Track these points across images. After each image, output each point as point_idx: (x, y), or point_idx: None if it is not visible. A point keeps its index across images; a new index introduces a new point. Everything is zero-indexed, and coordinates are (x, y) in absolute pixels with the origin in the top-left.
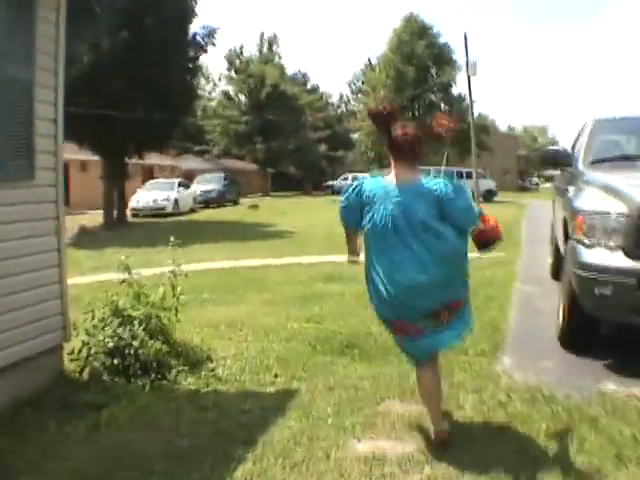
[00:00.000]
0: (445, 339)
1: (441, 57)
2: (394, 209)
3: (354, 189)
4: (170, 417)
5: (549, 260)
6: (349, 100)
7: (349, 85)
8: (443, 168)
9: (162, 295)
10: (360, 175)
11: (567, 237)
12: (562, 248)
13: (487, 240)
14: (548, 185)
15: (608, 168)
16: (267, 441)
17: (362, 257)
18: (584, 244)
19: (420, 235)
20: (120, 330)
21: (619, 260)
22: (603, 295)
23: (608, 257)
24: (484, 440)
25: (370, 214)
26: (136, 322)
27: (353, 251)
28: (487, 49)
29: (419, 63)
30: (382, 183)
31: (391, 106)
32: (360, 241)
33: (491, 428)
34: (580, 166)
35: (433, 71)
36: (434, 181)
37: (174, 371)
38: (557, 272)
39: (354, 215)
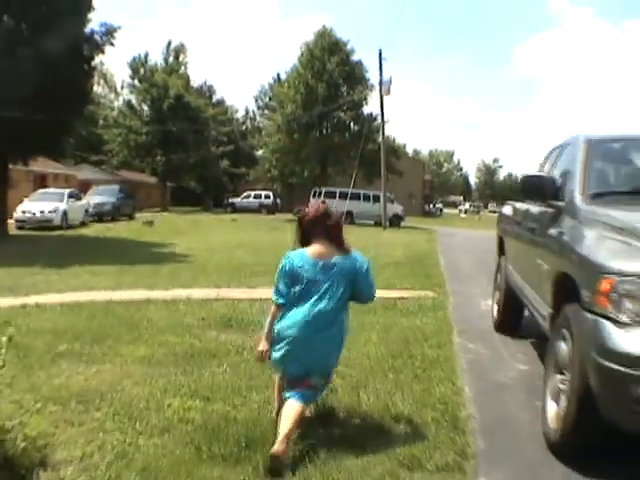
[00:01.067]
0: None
1: (353, 74)
2: (314, 282)
3: (282, 269)
4: None
5: (494, 309)
6: (255, 116)
7: (256, 100)
8: (350, 190)
9: None
10: (264, 192)
11: (564, 299)
12: (541, 309)
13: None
14: (452, 211)
15: (613, 203)
16: None
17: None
18: (615, 321)
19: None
20: None
21: None
22: None
23: None
24: None
25: (297, 287)
26: None
27: (269, 338)
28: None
29: (330, 80)
30: (307, 258)
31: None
32: None
33: None
34: (578, 201)
35: (344, 89)
36: (352, 256)
37: None
38: (504, 325)
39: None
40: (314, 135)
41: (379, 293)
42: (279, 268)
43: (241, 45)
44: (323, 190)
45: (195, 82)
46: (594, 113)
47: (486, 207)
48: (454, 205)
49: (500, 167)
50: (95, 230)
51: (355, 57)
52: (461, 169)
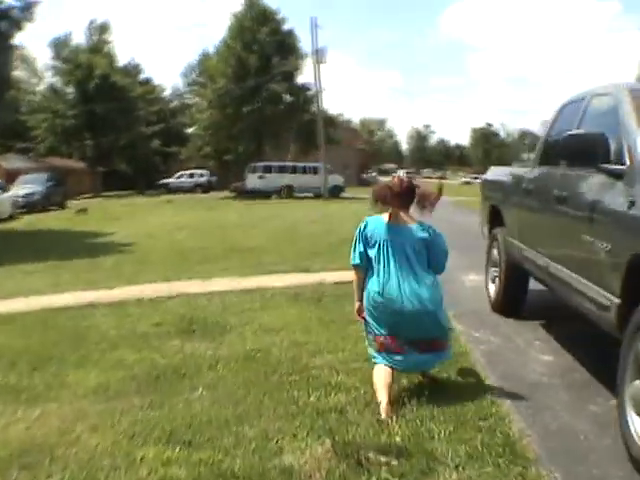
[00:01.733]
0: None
1: (285, 44)
2: (392, 245)
3: (359, 233)
4: None
5: (490, 288)
6: (184, 93)
7: (184, 77)
8: (289, 163)
9: None
10: (198, 171)
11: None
12: (597, 297)
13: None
14: (388, 179)
15: None
16: None
17: None
18: None
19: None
20: None
21: None
22: None
23: None
24: None
25: (374, 249)
26: None
27: (361, 297)
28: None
29: (261, 51)
30: (381, 222)
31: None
32: None
33: None
34: None
35: (276, 60)
36: (424, 226)
37: None
38: (505, 306)
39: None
40: (247, 109)
41: (351, 276)
42: (356, 232)
43: (164, 22)
44: (260, 165)
45: (120, 61)
46: (523, 79)
47: (418, 174)
48: (387, 173)
49: (432, 133)
50: (26, 223)
51: (286, 26)
52: (392, 137)
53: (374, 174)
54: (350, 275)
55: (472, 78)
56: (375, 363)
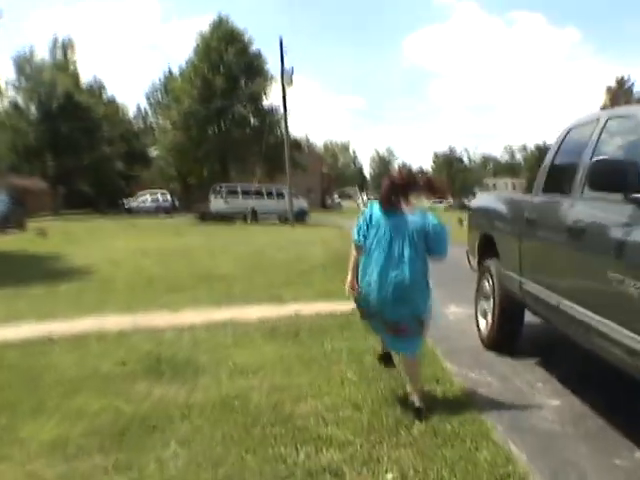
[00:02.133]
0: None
1: (252, 66)
2: (389, 232)
3: (364, 222)
4: None
5: (481, 323)
6: (147, 113)
7: (147, 98)
8: (255, 186)
9: None
10: (160, 193)
11: None
12: (630, 342)
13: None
14: (350, 204)
15: None
16: None
17: None
18: None
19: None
20: None
21: None
22: None
23: None
24: None
25: (373, 233)
26: None
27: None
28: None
29: (228, 72)
30: (383, 211)
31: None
32: None
33: None
34: None
35: (243, 81)
36: (423, 216)
37: None
38: (497, 342)
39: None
40: (212, 131)
41: (327, 307)
42: (362, 214)
43: (128, 43)
44: (224, 187)
45: (83, 79)
46: (484, 106)
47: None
48: (350, 197)
49: (395, 158)
50: None
51: (254, 47)
52: (355, 160)
53: (337, 199)
54: (326, 307)
55: (434, 104)
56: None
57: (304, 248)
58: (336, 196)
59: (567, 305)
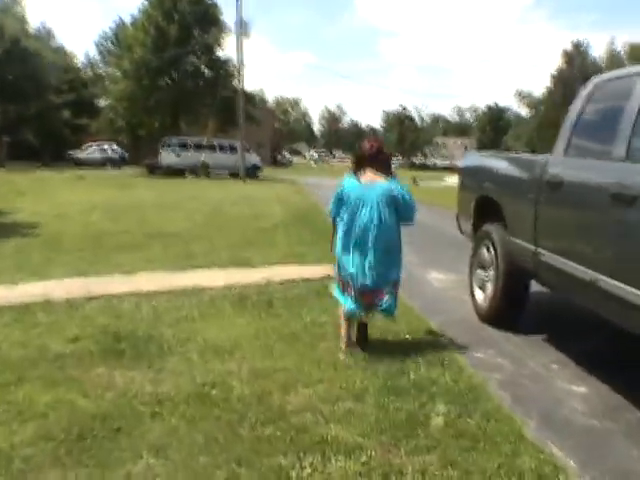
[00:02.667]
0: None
1: (207, 16)
2: (364, 201)
3: (337, 198)
4: None
5: (478, 295)
6: (97, 62)
7: (97, 46)
8: (207, 139)
9: None
10: (107, 144)
11: None
12: None
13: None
14: (300, 160)
15: None
16: None
17: None
18: None
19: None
20: None
21: None
22: None
23: None
24: None
25: (349, 205)
26: None
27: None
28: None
29: (182, 21)
30: (355, 183)
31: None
32: None
33: None
34: None
35: (197, 31)
36: (392, 183)
37: None
38: (499, 316)
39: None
40: (164, 82)
41: (298, 271)
42: (335, 193)
43: None
44: (175, 140)
45: (32, 25)
46: (435, 66)
47: (332, 155)
48: (299, 153)
49: (344, 114)
50: None
51: None
52: (306, 117)
53: (288, 155)
54: (296, 271)
55: (385, 62)
56: (342, 304)
57: (261, 204)
58: (286, 152)
59: (607, 282)
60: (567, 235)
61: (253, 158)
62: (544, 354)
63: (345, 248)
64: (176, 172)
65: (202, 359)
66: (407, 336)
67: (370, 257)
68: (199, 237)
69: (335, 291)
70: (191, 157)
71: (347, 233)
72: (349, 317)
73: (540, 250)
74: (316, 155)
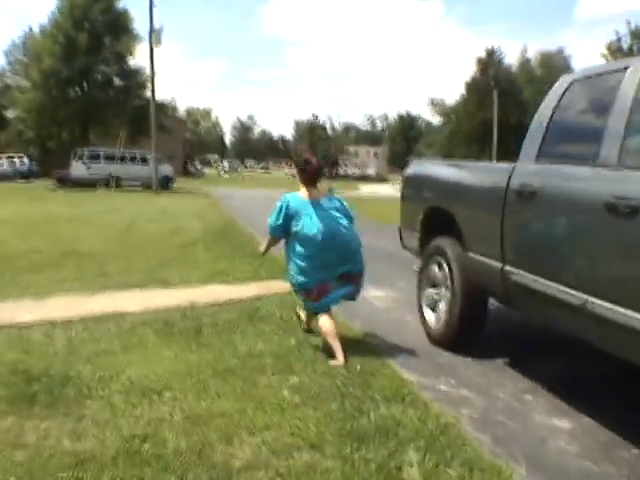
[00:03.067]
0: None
1: (118, 24)
2: (317, 214)
3: (281, 211)
4: None
5: (429, 316)
6: (5, 72)
7: (6, 56)
8: (118, 151)
9: None
10: (17, 157)
11: None
12: None
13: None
14: (211, 171)
15: None
16: None
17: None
18: None
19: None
20: None
21: None
22: None
23: None
24: None
25: (301, 221)
26: None
27: (267, 251)
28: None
29: (93, 29)
30: (301, 199)
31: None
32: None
33: None
34: None
35: (108, 40)
36: (332, 196)
37: None
38: (454, 339)
39: (282, 229)
40: (74, 92)
41: (225, 292)
42: (277, 208)
43: None
44: (85, 151)
45: None
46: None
47: (244, 165)
48: (210, 164)
49: (255, 124)
50: None
51: (120, 5)
52: (217, 127)
53: (199, 166)
54: (223, 291)
55: (294, 71)
56: (317, 315)
57: (177, 219)
58: (197, 163)
59: (603, 306)
60: (545, 251)
61: (165, 169)
62: (512, 381)
63: (305, 260)
64: (87, 184)
65: (128, 403)
66: (357, 366)
67: (342, 253)
68: (114, 255)
69: (299, 307)
70: (102, 169)
71: (306, 245)
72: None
73: (509, 268)
74: (227, 166)
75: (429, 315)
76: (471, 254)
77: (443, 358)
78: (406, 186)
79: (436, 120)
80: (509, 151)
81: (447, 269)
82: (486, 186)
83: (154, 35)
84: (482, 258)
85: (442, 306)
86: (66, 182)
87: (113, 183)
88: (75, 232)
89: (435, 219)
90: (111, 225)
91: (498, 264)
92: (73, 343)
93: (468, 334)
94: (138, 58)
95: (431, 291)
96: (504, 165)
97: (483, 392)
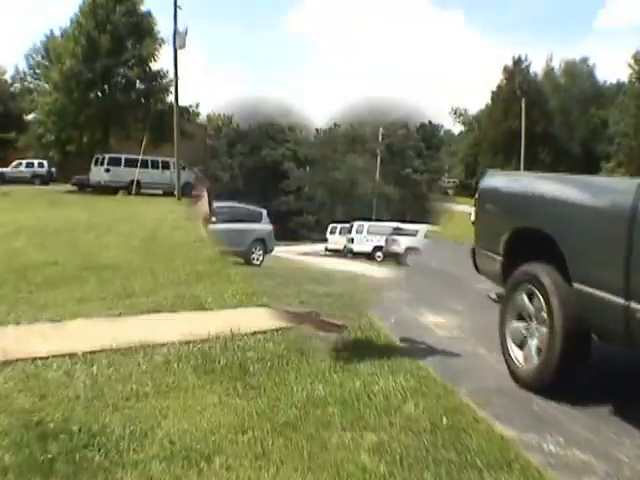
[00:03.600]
0: None
1: (141, 27)
2: None
3: None
4: None
5: (517, 354)
6: (26, 75)
7: (27, 59)
8: (141, 157)
9: None
10: (37, 161)
11: None
12: None
13: None
14: None
15: None
16: None
17: None
18: None
19: None
20: None
21: None
22: None
23: None
24: None
25: None
26: None
27: None
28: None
29: (115, 31)
30: None
31: None
32: None
33: None
34: None
35: (130, 42)
36: None
37: None
38: (550, 383)
39: None
40: (95, 94)
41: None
42: None
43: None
44: (106, 157)
45: None
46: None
47: None
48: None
49: None
50: None
51: (143, 8)
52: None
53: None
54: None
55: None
56: None
57: (201, 227)
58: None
59: None
60: None
61: (187, 175)
62: (630, 438)
63: None
64: (107, 190)
65: (170, 474)
66: (443, 418)
67: None
68: (139, 268)
69: None
70: (123, 174)
71: None
72: None
73: (636, 305)
74: None
75: (515, 352)
76: (577, 285)
77: (538, 405)
78: (484, 201)
79: (457, 129)
80: (536, 160)
81: (543, 301)
82: (604, 206)
83: (178, 37)
84: (595, 291)
85: (533, 342)
86: (85, 187)
87: (133, 189)
88: (96, 241)
89: (525, 241)
90: (134, 232)
91: (619, 300)
92: (97, 383)
93: (567, 377)
94: (161, 61)
95: (519, 325)
96: (626, 180)
97: (601, 454)
